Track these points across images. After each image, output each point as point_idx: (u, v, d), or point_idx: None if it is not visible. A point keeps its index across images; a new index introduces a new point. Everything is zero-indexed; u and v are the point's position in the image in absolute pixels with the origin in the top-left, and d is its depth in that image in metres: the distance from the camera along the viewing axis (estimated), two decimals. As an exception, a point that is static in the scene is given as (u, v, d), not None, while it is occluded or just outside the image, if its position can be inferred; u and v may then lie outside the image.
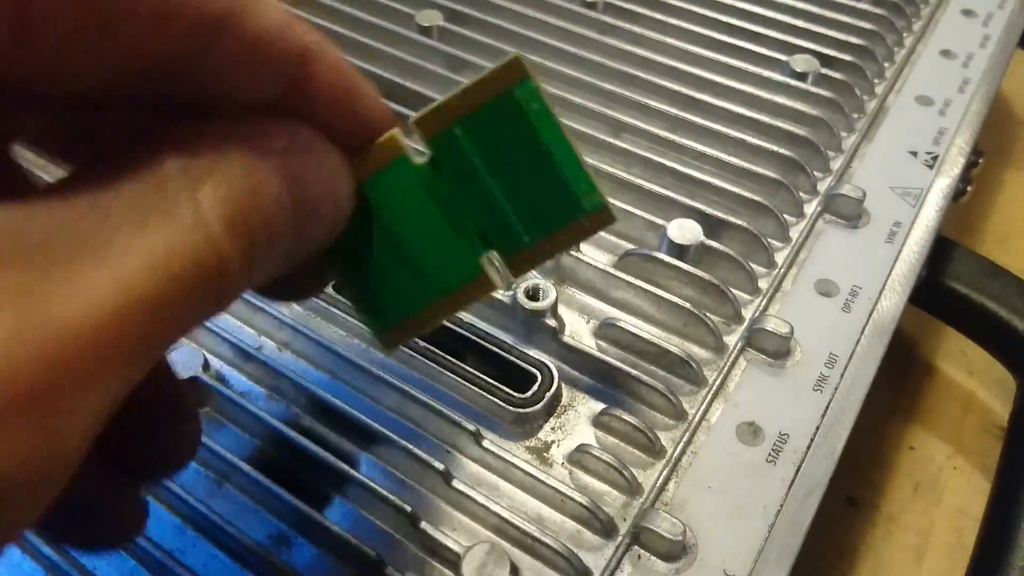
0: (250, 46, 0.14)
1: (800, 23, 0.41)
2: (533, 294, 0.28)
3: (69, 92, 0.14)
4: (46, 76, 0.13)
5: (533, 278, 0.28)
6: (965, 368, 0.42)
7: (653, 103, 0.36)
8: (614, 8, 0.42)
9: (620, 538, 0.24)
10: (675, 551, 0.24)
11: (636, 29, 0.41)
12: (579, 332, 0.29)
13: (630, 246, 0.32)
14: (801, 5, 0.42)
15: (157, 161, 0.13)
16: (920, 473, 0.38)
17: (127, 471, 0.18)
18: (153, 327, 0.12)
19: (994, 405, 0.41)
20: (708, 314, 0.29)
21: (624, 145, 0.35)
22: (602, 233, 0.32)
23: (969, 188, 0.41)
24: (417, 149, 0.18)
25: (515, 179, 0.18)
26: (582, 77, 0.38)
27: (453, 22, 0.41)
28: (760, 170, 0.34)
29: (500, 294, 0.28)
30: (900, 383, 0.41)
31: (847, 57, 0.39)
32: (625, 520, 0.24)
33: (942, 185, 0.35)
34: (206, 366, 0.27)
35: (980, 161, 0.42)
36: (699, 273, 0.29)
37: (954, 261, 0.36)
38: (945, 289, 0.36)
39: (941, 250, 0.35)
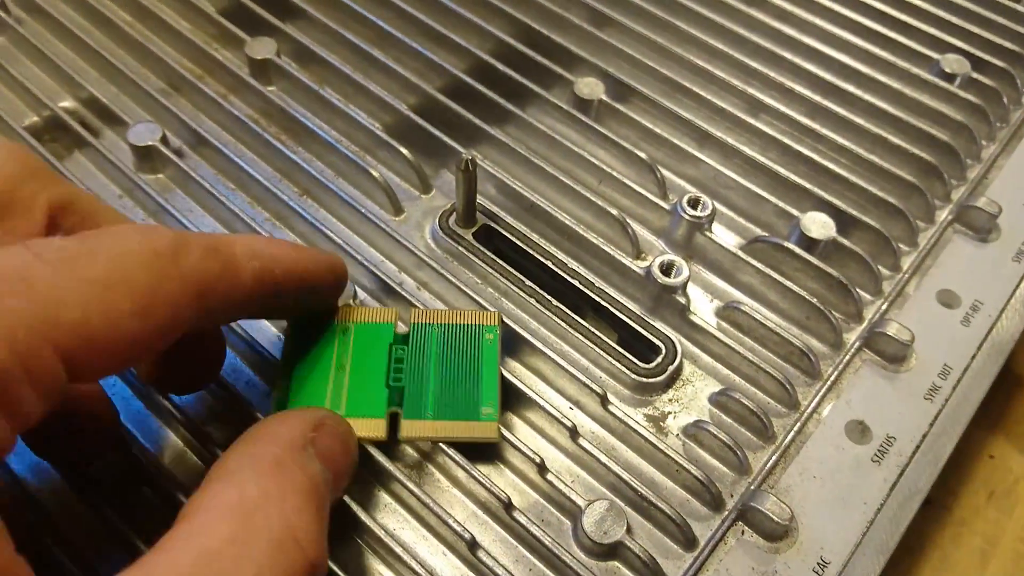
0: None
1: (955, 19, 0.40)
2: (667, 269, 0.29)
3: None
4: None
5: (668, 254, 0.29)
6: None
7: (795, 87, 0.36)
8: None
9: (727, 512, 0.26)
10: (778, 532, 0.25)
11: (784, 4, 0.40)
12: (702, 310, 0.30)
13: (759, 231, 0.33)
14: (957, 0, 0.41)
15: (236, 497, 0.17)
16: (997, 482, 0.39)
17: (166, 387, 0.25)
18: None
19: (1080, 426, 0.41)
20: (831, 310, 0.30)
21: (762, 127, 0.35)
22: (732, 215, 0.33)
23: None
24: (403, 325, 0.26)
25: (449, 374, 0.25)
26: (724, 48, 0.38)
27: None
28: (896, 171, 0.34)
29: (633, 264, 0.30)
30: (991, 391, 0.41)
31: (999, 62, 0.38)
32: (732, 497, 0.26)
33: (1078, 208, 0.34)
34: (355, 296, 0.29)
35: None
36: (827, 268, 0.30)
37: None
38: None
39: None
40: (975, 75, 0.38)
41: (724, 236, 0.33)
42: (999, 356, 0.30)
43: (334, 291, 0.25)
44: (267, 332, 0.28)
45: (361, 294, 0.30)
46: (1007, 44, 0.39)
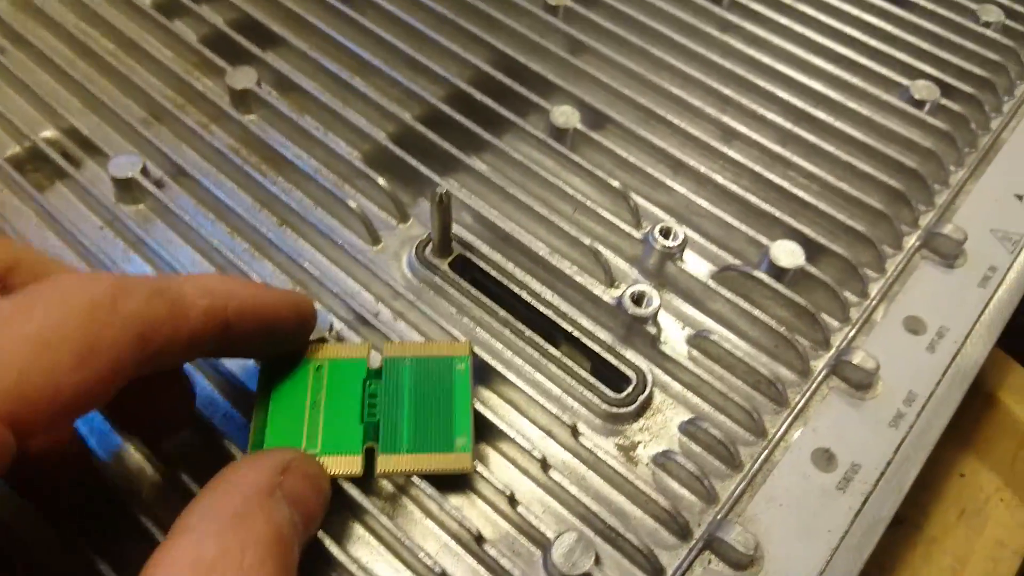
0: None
1: (925, 45, 0.40)
2: (638, 299, 0.29)
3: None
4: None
5: (640, 283, 0.30)
6: (1027, 404, 0.43)
7: (767, 114, 0.37)
8: (739, 6, 0.42)
9: (694, 542, 0.26)
10: (744, 561, 0.26)
11: (758, 31, 0.41)
12: (674, 338, 0.31)
13: (730, 258, 0.33)
14: (928, 26, 0.41)
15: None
16: (967, 500, 0.39)
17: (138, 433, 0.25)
18: None
19: (1050, 443, 0.42)
20: (798, 337, 0.30)
21: (734, 154, 0.35)
22: (704, 242, 0.34)
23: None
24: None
25: (423, 407, 0.26)
26: (698, 76, 0.39)
27: (580, 3, 0.41)
28: (865, 198, 0.34)
29: (605, 294, 0.30)
30: (960, 409, 0.42)
31: (968, 88, 0.39)
32: (700, 526, 0.27)
33: (1043, 234, 0.35)
34: (331, 328, 0.29)
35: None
36: (795, 298, 0.31)
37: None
38: (1020, 327, 0.37)
39: None
40: (944, 101, 0.38)
41: (696, 264, 0.33)
42: (963, 382, 0.31)
43: (299, 331, 0.25)
44: (244, 363, 0.29)
45: (338, 324, 0.30)
46: (975, 70, 0.40)
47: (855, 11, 0.42)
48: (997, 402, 0.43)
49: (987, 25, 0.42)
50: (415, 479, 0.25)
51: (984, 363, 0.32)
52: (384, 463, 0.25)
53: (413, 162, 0.34)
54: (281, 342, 0.25)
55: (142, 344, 0.19)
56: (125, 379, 0.18)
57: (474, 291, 0.31)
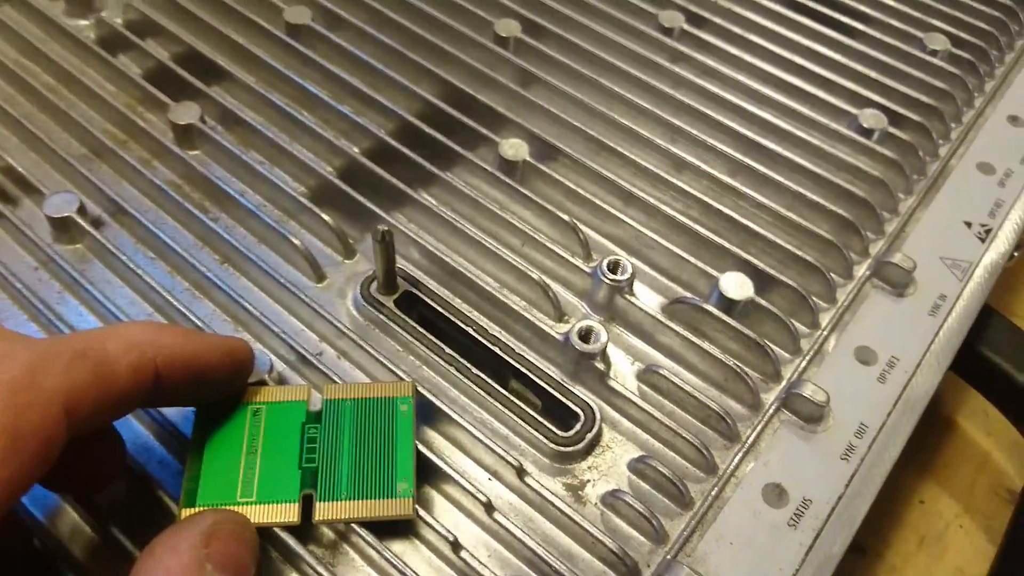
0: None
1: (873, 74, 0.41)
2: (585, 335, 0.29)
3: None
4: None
5: (588, 319, 0.29)
6: (984, 428, 0.43)
7: (718, 144, 0.37)
8: (689, 37, 0.42)
9: (643, 584, 0.26)
10: (693, 604, 0.25)
11: (709, 61, 0.41)
12: (623, 373, 0.31)
13: (680, 290, 0.33)
14: (875, 55, 0.42)
15: None
16: (927, 527, 0.39)
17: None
18: None
19: (1007, 468, 0.42)
20: (749, 371, 0.30)
21: (684, 185, 0.35)
22: (655, 274, 0.33)
23: (1016, 253, 0.41)
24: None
25: (363, 450, 0.25)
26: (649, 107, 0.38)
27: (531, 35, 0.41)
28: (815, 228, 0.34)
29: (553, 329, 0.30)
30: (918, 436, 0.42)
31: (915, 117, 0.39)
32: (649, 567, 0.26)
33: (990, 261, 0.35)
34: (271, 369, 0.29)
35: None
36: (745, 330, 0.30)
37: (988, 328, 0.37)
38: (974, 353, 0.37)
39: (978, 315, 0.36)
40: (892, 130, 0.38)
41: (646, 296, 0.33)
42: (914, 413, 0.31)
43: (234, 377, 0.25)
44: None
45: (279, 365, 0.29)
46: (923, 98, 0.40)
47: (804, 40, 0.42)
48: (954, 427, 0.43)
49: (934, 53, 0.42)
50: (356, 525, 0.25)
51: (940, 390, 0.31)
52: (322, 511, 0.24)
53: (360, 197, 0.33)
54: (216, 389, 0.25)
55: (69, 417, 0.18)
56: (56, 454, 0.18)
57: (420, 329, 0.30)
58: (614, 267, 0.31)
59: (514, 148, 0.36)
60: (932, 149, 0.39)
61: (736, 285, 0.31)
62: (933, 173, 0.38)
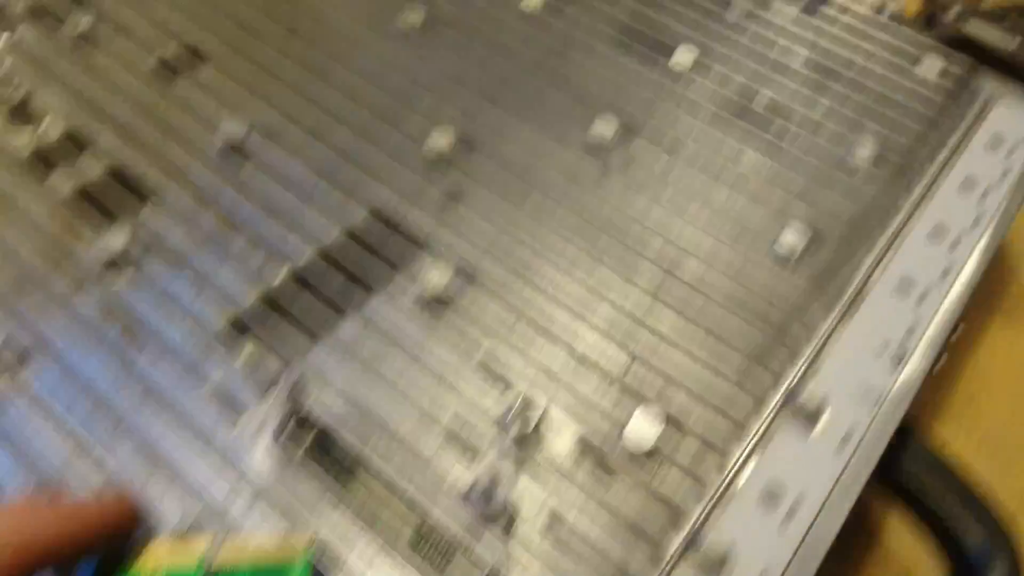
0: None
1: (799, 186, 0.41)
2: (489, 490, 0.30)
3: None
4: None
5: (497, 463, 0.30)
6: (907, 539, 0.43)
7: (639, 266, 0.38)
8: (621, 149, 0.43)
9: None
10: None
11: (638, 175, 0.42)
12: (528, 524, 0.31)
13: (590, 433, 0.33)
14: (796, 173, 0.42)
15: None
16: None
17: None
18: None
19: None
20: (652, 518, 0.31)
21: (597, 319, 0.36)
22: (565, 416, 0.34)
23: (943, 358, 0.42)
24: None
25: None
26: (574, 228, 0.39)
27: (466, 150, 0.42)
28: (729, 354, 0.35)
29: (463, 477, 0.30)
30: (842, 545, 0.42)
31: (836, 233, 0.40)
32: None
33: (903, 389, 0.36)
34: (180, 519, 0.29)
35: (960, 326, 0.43)
36: (650, 478, 0.31)
37: (904, 449, 0.37)
38: (891, 470, 0.37)
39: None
40: (810, 251, 0.39)
41: (555, 439, 0.33)
42: (814, 560, 0.31)
43: (122, 540, 0.25)
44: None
45: (187, 516, 0.30)
46: (845, 214, 0.40)
47: (732, 153, 0.43)
48: (878, 542, 0.43)
49: (855, 169, 0.43)
50: None
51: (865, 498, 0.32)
52: None
53: (281, 327, 0.34)
54: (97, 552, 0.25)
55: None
56: None
57: (330, 474, 0.31)
58: (525, 407, 0.32)
59: (435, 278, 0.36)
60: (850, 270, 0.39)
61: (645, 425, 0.32)
62: (851, 294, 0.39)
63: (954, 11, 0.71)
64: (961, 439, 0.47)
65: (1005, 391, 0.49)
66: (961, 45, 0.67)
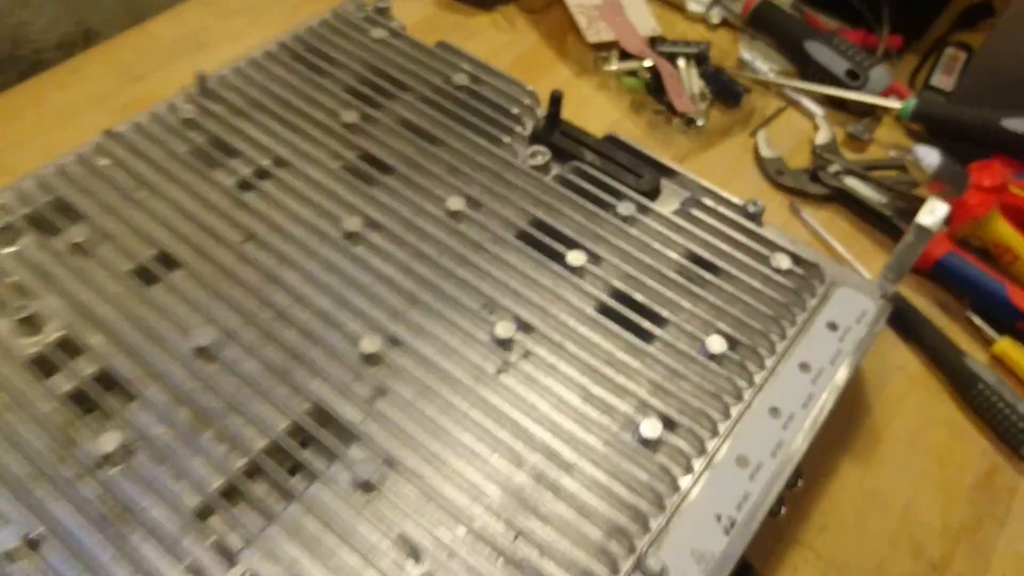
0: None
1: (659, 378, 0.51)
2: None
3: None
4: None
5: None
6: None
7: (526, 457, 0.47)
8: (519, 345, 0.53)
9: None
10: None
11: (530, 370, 0.51)
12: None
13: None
14: (664, 360, 0.52)
15: None
16: None
17: None
18: None
19: None
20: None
21: (492, 503, 0.46)
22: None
23: (783, 509, 0.52)
24: None
25: None
26: (478, 420, 0.49)
27: (394, 350, 0.51)
28: (588, 538, 0.44)
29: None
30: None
31: (686, 421, 0.50)
32: None
33: (731, 552, 0.46)
34: None
35: (800, 482, 0.53)
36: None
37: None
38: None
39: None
40: (666, 433, 0.49)
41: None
42: None
43: None
44: None
45: None
46: (694, 402, 0.51)
47: (603, 354, 0.53)
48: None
49: (712, 357, 0.53)
50: None
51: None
52: None
53: (239, 512, 0.43)
54: None
55: None
56: None
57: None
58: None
59: (365, 466, 0.46)
60: (699, 448, 0.49)
61: (517, 601, 0.42)
62: (698, 470, 0.49)
63: (834, 168, 0.83)
64: (811, 564, 0.57)
65: (853, 522, 0.59)
66: (841, 197, 0.80)
